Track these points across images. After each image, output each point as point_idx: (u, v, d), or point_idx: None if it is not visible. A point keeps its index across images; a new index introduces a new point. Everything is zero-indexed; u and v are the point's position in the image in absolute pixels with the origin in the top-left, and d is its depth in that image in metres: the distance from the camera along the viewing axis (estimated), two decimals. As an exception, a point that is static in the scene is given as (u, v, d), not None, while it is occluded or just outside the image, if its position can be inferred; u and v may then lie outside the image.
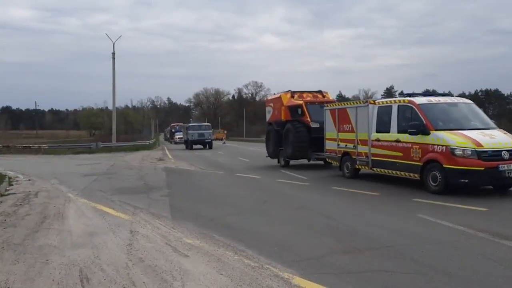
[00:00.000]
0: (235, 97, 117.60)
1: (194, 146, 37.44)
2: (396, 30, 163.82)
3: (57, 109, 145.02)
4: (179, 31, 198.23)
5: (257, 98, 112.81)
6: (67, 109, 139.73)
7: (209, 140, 37.88)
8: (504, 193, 9.21)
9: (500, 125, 10.46)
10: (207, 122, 50.57)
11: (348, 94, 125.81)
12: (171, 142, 59.89)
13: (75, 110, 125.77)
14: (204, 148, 37.14)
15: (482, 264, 4.58)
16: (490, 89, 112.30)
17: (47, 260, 5.03)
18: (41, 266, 4.79)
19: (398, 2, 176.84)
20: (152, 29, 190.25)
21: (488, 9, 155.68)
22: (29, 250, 5.46)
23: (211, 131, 39.53)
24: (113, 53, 37.97)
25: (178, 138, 53.20)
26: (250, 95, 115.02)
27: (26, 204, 9.06)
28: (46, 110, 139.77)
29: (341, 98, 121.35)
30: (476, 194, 9.05)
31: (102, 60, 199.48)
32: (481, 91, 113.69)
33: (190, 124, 43.35)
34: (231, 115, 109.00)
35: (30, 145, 37.31)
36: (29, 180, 13.85)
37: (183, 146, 42.42)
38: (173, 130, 63.18)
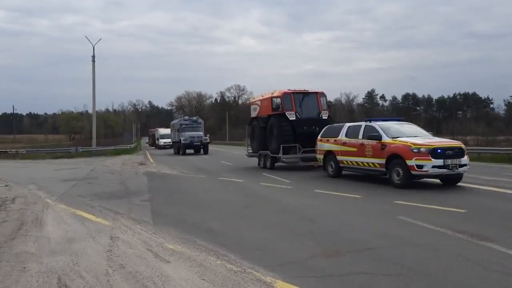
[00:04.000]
0: (218, 101, 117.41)
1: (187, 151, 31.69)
2: (374, 33, 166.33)
3: (35, 113, 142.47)
4: (155, 33, 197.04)
5: (240, 102, 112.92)
6: (45, 113, 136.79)
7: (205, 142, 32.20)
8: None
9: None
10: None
11: (330, 97, 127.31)
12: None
13: (54, 114, 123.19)
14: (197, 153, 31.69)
15: (461, 265, 4.66)
16: (468, 92, 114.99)
17: (24, 267, 4.90)
18: (18, 274, 4.67)
19: (374, 5, 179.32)
20: (126, 30, 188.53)
21: (464, 13, 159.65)
22: (6, 258, 5.32)
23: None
24: (93, 56, 37.47)
25: (163, 143, 50.22)
26: (232, 98, 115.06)
27: (3, 210, 8.84)
28: (24, 114, 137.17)
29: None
30: (455, 195, 9.23)
31: (80, 63, 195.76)
32: (459, 94, 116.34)
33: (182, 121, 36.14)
34: (213, 118, 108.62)
35: (7, 150, 36.40)
36: (6, 186, 13.52)
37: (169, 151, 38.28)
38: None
